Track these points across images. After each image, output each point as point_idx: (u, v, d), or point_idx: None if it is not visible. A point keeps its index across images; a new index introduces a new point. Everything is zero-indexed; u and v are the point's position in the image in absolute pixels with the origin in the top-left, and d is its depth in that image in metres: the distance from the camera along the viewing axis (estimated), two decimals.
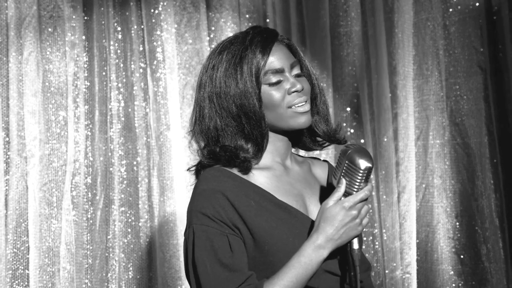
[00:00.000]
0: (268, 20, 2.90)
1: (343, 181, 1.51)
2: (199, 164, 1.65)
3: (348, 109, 2.94)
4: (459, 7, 2.93)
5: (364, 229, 2.79)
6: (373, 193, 2.89)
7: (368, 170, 1.48)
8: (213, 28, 2.90)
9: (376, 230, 2.88)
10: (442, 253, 2.90)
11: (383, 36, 2.94)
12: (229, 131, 1.59)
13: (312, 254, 1.49)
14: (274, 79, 1.58)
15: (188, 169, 1.68)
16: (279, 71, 1.60)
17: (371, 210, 2.88)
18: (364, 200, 1.51)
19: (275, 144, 1.65)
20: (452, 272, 2.88)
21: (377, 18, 2.95)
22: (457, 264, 2.89)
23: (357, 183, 1.49)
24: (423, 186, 2.96)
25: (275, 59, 1.59)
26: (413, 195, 2.93)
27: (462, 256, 2.89)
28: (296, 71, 1.63)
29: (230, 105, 1.57)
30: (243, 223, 1.53)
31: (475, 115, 2.91)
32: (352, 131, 2.93)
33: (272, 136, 1.64)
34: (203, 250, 1.52)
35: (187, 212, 1.58)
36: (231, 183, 1.55)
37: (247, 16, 2.91)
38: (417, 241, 2.93)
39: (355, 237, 1.51)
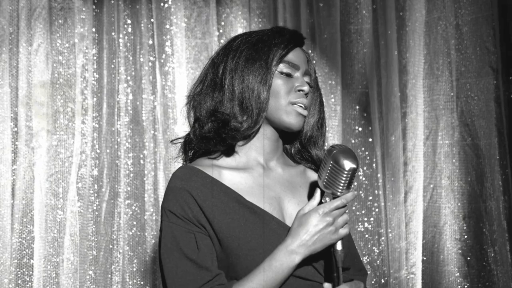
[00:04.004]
0: (278, 16, 2.89)
1: (318, 191, 1.53)
2: (187, 137, 1.67)
3: (357, 107, 2.92)
4: (471, 6, 2.90)
5: (371, 228, 2.80)
6: (380, 192, 2.87)
7: (353, 171, 1.48)
8: (222, 23, 2.90)
9: (382, 230, 2.86)
10: (448, 254, 2.87)
11: (394, 35, 2.91)
12: (229, 102, 1.61)
13: (283, 258, 1.48)
14: (286, 70, 1.63)
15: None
16: (295, 67, 1.64)
17: (377, 209, 2.86)
18: (341, 207, 1.50)
19: (262, 140, 1.66)
20: (458, 274, 2.85)
21: (388, 16, 2.92)
22: (463, 266, 2.86)
23: (341, 184, 1.48)
24: (431, 186, 2.93)
25: (295, 57, 1.65)
26: (420, 195, 2.90)
27: (468, 258, 2.86)
28: (307, 79, 1.67)
29: (241, 77, 1.61)
30: (208, 222, 1.53)
31: (486, 116, 2.87)
32: (360, 129, 2.91)
33: (262, 130, 1.65)
34: (169, 247, 1.53)
35: (160, 208, 1.60)
36: (199, 182, 1.56)
37: (258, 12, 2.90)
38: (424, 241, 2.90)
39: (330, 245, 1.50)
